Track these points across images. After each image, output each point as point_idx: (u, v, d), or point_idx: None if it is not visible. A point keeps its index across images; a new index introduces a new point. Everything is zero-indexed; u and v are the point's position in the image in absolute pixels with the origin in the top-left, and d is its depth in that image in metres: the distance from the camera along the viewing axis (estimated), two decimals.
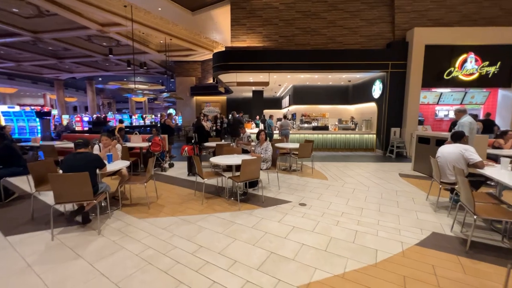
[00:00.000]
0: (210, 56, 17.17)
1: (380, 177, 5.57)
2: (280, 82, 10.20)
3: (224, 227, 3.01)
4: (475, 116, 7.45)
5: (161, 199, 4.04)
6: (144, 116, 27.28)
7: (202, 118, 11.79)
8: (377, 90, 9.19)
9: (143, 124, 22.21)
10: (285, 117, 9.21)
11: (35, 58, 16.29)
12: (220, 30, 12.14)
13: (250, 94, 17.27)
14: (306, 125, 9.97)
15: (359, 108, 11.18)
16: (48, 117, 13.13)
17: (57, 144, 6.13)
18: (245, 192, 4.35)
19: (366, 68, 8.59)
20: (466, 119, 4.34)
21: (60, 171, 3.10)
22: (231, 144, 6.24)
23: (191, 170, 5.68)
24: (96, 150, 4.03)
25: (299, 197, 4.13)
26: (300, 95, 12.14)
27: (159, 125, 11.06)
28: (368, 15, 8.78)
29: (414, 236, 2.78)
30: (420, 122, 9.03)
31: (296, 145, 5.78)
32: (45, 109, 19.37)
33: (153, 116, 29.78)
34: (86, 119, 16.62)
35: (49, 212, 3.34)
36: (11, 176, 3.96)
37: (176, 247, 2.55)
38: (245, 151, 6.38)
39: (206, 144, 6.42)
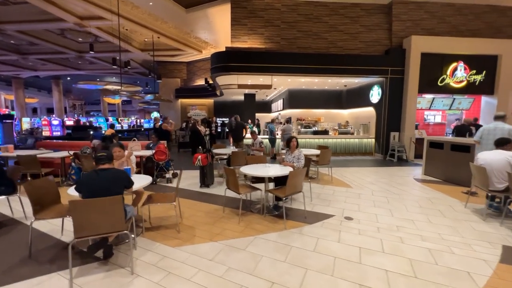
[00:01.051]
0: (197, 57, 16.46)
1: (400, 182, 5.51)
2: (281, 85, 9.94)
3: (282, 253, 2.57)
4: (475, 120, 7.86)
5: (186, 219, 3.45)
6: (120, 119, 25.40)
7: (191, 121, 11.13)
8: (375, 95, 9.36)
9: (126, 128, 20.52)
10: (287, 121, 8.94)
11: None
12: (213, 30, 11.59)
13: (239, 97, 16.87)
14: (306, 129, 9.79)
15: (354, 112, 11.35)
16: (10, 121, 11.44)
17: (38, 154, 5.13)
18: (276, 206, 3.93)
19: (367, 73, 8.69)
20: (508, 126, 4.21)
21: (73, 193, 2.42)
22: (240, 150, 5.75)
23: (204, 182, 5.09)
24: None
25: (338, 210, 3.82)
26: (295, 99, 12.01)
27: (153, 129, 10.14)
28: (367, 21, 8.93)
29: (489, 252, 2.60)
30: (415, 127, 9.37)
31: (316, 152, 5.50)
32: (2, 111, 17.01)
33: (130, 120, 27.84)
34: (55, 122, 14.77)
35: (50, 245, 2.63)
36: None
37: (243, 286, 2.06)
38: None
39: (217, 151, 5.86)
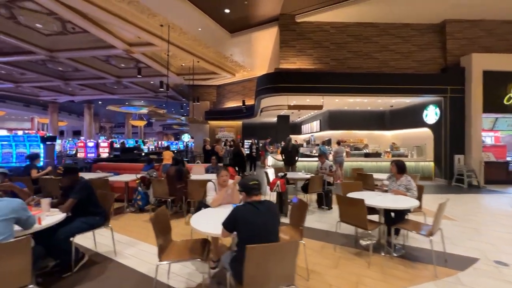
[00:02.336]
0: (228, 80, 16.75)
1: (507, 214, 4.73)
2: (330, 106, 9.60)
3: None
4: None
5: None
6: (144, 141, 25.85)
7: (221, 142, 10.83)
8: (431, 115, 8.78)
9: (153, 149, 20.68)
10: (338, 143, 8.43)
11: (39, 79, 15.01)
12: (252, 53, 11.76)
13: (268, 119, 16.73)
14: (356, 151, 9.20)
15: (402, 133, 10.72)
16: (53, 143, 11.60)
17: (105, 177, 4.84)
18: (389, 243, 3.29)
19: (423, 92, 8.23)
20: None
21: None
22: (318, 175, 5.21)
23: (282, 210, 4.55)
24: (210, 189, 2.91)
25: (474, 250, 3.14)
26: (336, 120, 11.61)
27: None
28: (419, 40, 8.68)
29: None
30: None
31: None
32: (41, 134, 17.61)
33: (153, 141, 28.33)
34: (91, 144, 15.02)
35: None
36: (88, 230, 2.68)
37: None
38: (329, 183, 5.41)
39: (290, 175, 5.37)
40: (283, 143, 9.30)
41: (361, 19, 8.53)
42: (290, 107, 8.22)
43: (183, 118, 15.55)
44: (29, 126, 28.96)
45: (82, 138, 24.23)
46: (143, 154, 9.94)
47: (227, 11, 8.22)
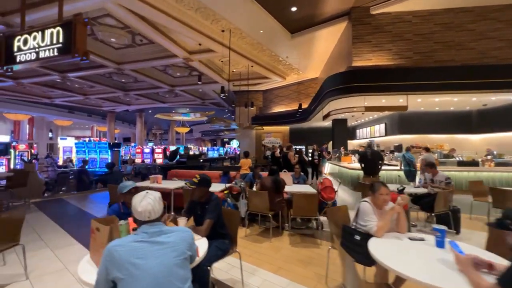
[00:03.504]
0: (276, 84, 16.33)
1: None
2: (413, 106, 8.41)
3: None
4: None
5: None
6: (187, 146, 26.66)
7: (292, 148, 10.15)
8: None
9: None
10: (427, 149, 7.19)
11: (104, 91, 16.38)
12: (310, 54, 11.12)
13: (317, 124, 15.78)
14: (445, 159, 7.81)
15: (497, 137, 8.93)
16: (118, 149, 12.30)
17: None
18: None
19: None
20: None
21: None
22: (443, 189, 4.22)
23: None
24: (368, 213, 2.26)
25: None
26: (408, 122, 10.25)
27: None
28: None
29: None
30: None
31: None
32: (103, 140, 19.12)
33: (195, 148, 29.16)
34: (147, 150, 15.80)
35: None
36: (223, 257, 2.23)
37: None
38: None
39: (408, 189, 4.47)
40: (359, 149, 8.34)
41: (450, 4, 7.31)
42: (367, 109, 7.29)
43: (233, 124, 15.38)
44: (89, 133, 32.28)
45: (133, 144, 26.01)
46: (201, 160, 9.89)
47: (293, 9, 7.74)
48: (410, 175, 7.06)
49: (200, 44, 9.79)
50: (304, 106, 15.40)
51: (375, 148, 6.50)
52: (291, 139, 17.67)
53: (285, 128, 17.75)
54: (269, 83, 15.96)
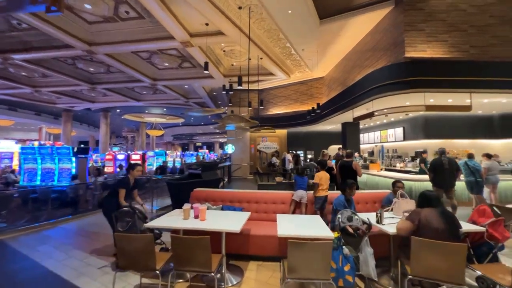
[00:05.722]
0: (274, 83, 14.79)
1: None
2: (480, 109, 7.49)
3: None
4: None
5: None
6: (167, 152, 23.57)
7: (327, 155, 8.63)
8: None
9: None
10: (489, 156, 6.25)
11: (63, 83, 12.93)
12: (331, 48, 9.82)
13: (319, 128, 14.65)
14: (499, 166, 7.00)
15: None
16: (85, 156, 9.39)
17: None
18: None
19: None
20: None
21: None
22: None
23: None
24: None
25: None
26: (434, 126, 9.52)
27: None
28: None
29: None
30: None
31: None
32: (58, 144, 15.38)
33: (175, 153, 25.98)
34: (121, 157, 12.78)
35: None
36: None
37: None
38: None
39: None
40: (421, 155, 7.02)
41: None
42: (429, 108, 6.10)
43: (230, 126, 13.30)
44: (35, 136, 26.72)
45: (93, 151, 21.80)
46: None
47: None
48: (477, 186, 6.00)
49: (207, 24, 7.75)
50: (307, 107, 14.14)
51: (449, 156, 5.29)
52: (289, 143, 16.24)
53: (283, 132, 16.25)
54: (268, 82, 14.35)
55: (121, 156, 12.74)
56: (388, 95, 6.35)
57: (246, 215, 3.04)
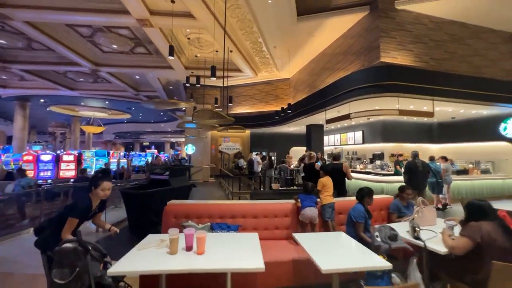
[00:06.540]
0: (240, 81, 14.10)
1: None
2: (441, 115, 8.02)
3: None
4: None
5: None
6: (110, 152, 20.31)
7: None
8: None
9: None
10: (445, 159, 6.90)
11: None
12: (303, 48, 9.68)
13: (282, 130, 14.59)
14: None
15: (460, 147, 10.06)
16: None
17: None
18: None
19: None
20: None
21: None
22: None
23: None
24: None
25: None
26: (390, 131, 10.34)
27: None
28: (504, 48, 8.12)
29: None
30: None
31: None
32: None
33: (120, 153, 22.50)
34: (46, 158, 10.04)
35: None
36: None
37: None
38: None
39: None
40: (397, 158, 7.26)
41: (455, 17, 7.47)
42: (401, 113, 6.36)
43: (190, 124, 11.97)
44: None
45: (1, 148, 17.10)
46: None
47: None
48: (438, 186, 6.53)
49: (173, 1, 6.54)
50: (271, 108, 13.90)
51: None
52: (252, 144, 15.73)
53: (246, 133, 15.62)
54: (234, 79, 13.55)
55: (46, 157, 10.02)
56: (366, 97, 6.41)
57: (254, 237, 2.27)
